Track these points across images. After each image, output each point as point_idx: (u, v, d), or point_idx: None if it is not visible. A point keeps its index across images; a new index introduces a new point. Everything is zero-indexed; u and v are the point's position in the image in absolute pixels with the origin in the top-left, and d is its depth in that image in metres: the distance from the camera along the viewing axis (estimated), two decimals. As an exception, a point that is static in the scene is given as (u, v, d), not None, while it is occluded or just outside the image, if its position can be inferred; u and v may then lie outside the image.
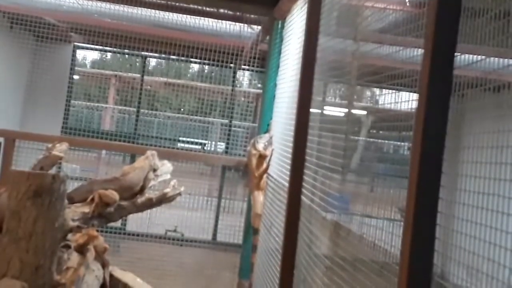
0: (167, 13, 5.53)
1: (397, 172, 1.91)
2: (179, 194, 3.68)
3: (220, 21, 5.54)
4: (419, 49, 1.66)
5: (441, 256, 1.56)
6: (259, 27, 5.41)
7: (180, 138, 8.97)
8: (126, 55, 9.31)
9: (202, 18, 5.51)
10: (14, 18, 6.30)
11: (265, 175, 4.27)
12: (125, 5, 5.44)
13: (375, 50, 2.18)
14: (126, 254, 5.02)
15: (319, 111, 3.10)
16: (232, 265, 4.97)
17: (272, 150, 4.23)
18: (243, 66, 6.65)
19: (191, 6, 5.23)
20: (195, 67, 9.95)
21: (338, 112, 2.91)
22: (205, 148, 8.91)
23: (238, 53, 5.95)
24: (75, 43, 8.14)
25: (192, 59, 7.39)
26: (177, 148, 7.68)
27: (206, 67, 8.71)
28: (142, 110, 8.53)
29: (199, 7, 5.24)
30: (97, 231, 3.04)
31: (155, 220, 5.76)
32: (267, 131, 4.63)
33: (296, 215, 3.16)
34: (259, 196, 4.29)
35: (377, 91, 2.28)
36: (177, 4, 5.22)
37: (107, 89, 9.61)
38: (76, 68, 8.61)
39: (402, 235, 1.63)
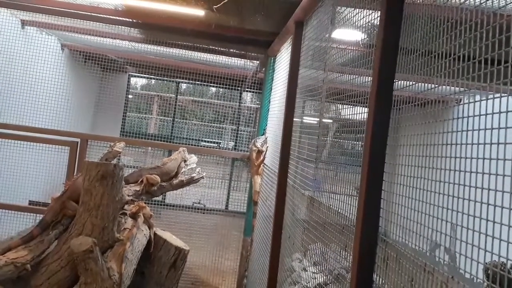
0: (193, 51, 5.54)
1: (353, 162, 1.91)
2: (202, 177, 3.69)
3: (230, 57, 5.54)
4: (369, 77, 1.66)
5: (384, 220, 1.57)
6: (258, 62, 5.41)
7: (203, 139, 8.97)
8: (165, 81, 9.31)
9: (218, 55, 5.52)
10: (87, 55, 6.30)
11: (262, 165, 4.27)
12: (164, 46, 5.45)
13: (338, 78, 2.18)
14: (165, 219, 5.02)
15: (299, 120, 3.10)
16: (239, 227, 4.97)
17: (267, 147, 4.24)
18: (246, 89, 6.65)
19: (210, 47, 5.23)
20: (213, 89, 9.93)
21: (313, 120, 2.91)
22: (220, 145, 8.89)
23: (243, 80, 5.95)
24: (130, 73, 8.14)
25: (210, 84, 7.40)
26: (201, 146, 7.67)
27: (220, 89, 8.68)
28: (176, 119, 8.54)
29: (216, 48, 5.24)
30: (145, 203, 3.05)
31: (185, 195, 5.75)
32: (263, 133, 4.63)
33: (283, 192, 3.16)
34: (258, 179, 4.30)
35: (339, 106, 2.27)
36: (200, 45, 5.22)
37: (151, 104, 9.61)
38: (130, 90, 8.61)
39: (357, 206, 1.64)
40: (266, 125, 4.67)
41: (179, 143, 7.07)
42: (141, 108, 9.58)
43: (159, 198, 4.84)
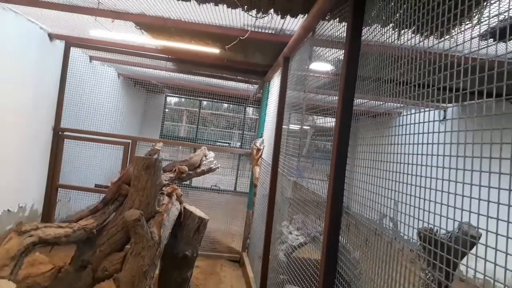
0: (211, 78, 5.53)
1: (325, 157, 1.91)
2: (218, 167, 3.68)
3: (237, 82, 5.54)
4: (336, 96, 1.66)
5: (347, 198, 1.57)
6: (257, 85, 5.41)
7: (218, 140, 8.95)
8: (191, 99, 9.30)
9: (229, 81, 5.51)
10: (136, 81, 6.30)
11: (260, 158, 4.27)
12: (190, 74, 5.45)
13: (314, 97, 2.18)
14: (192, 197, 5.01)
15: (287, 127, 3.10)
16: (244, 203, 4.96)
17: (263, 146, 4.23)
18: (249, 105, 6.64)
19: (223, 75, 5.23)
20: (225, 105, 9.92)
21: (296, 127, 2.91)
22: (230, 145, 8.87)
23: (246, 98, 5.95)
24: (166, 94, 8.13)
25: (223, 101, 7.40)
26: (217, 145, 7.66)
27: (231, 105, 8.66)
28: (199, 126, 8.51)
29: (227, 75, 5.24)
30: (177, 186, 3.04)
31: (206, 180, 5.74)
32: (261, 136, 4.63)
33: (275, 178, 3.16)
34: (257, 169, 4.29)
35: (315, 117, 2.27)
36: (215, 74, 5.22)
37: (182, 116, 9.59)
38: (166, 105, 8.59)
39: (328, 188, 1.63)
40: (263, 130, 4.67)
41: (201, 143, 7.06)
42: (174, 119, 9.56)
43: (187, 182, 4.84)
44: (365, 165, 1.43)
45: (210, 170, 3.56)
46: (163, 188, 2.86)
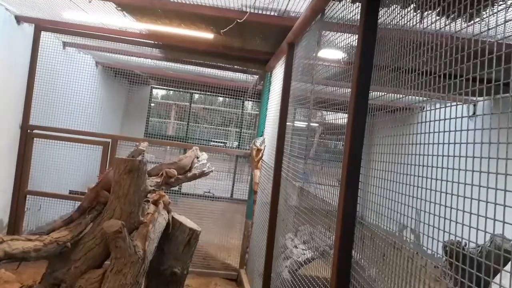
0: (204, 67, 5.53)
1: (336, 159, 1.91)
2: (211, 171, 3.68)
3: (234, 72, 5.54)
4: (348, 89, 1.66)
5: (361, 206, 1.57)
6: (257, 76, 5.41)
7: (212, 139, 8.96)
8: (181, 92, 9.31)
9: (224, 70, 5.51)
10: (117, 71, 6.30)
11: (260, 160, 4.27)
12: (180, 63, 5.45)
13: (323, 89, 2.18)
14: (181, 206, 5.02)
15: (291, 124, 3.10)
16: (242, 212, 4.97)
17: (264, 146, 4.23)
18: (248, 98, 6.65)
19: (218, 64, 5.23)
20: (220, 98, 9.93)
21: (302, 124, 2.91)
22: (226, 145, 8.88)
23: (245, 91, 5.95)
24: (152, 85, 8.13)
25: (218, 94, 7.40)
26: (210, 145, 7.66)
27: (226, 99, 8.67)
28: (190, 123, 8.52)
29: (222, 64, 5.24)
30: (165, 192, 3.04)
31: (197, 186, 5.74)
32: (261, 135, 4.63)
33: (278, 183, 3.16)
34: (257, 172, 4.29)
35: (324, 112, 2.27)
36: (209, 62, 5.22)
37: (170, 111, 9.61)
38: (152, 99, 8.60)
39: (339, 194, 1.63)
40: (264, 128, 4.67)
41: (192, 143, 7.07)
42: (161, 114, 9.57)
43: (176, 188, 4.84)
44: (382, 168, 1.42)
45: (202, 174, 3.56)
46: (148, 195, 2.85)
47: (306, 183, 2.40)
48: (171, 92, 10.51)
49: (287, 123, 3.17)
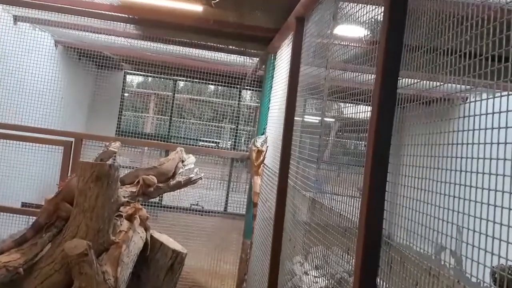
0: (191, 48, 5.53)
1: (356, 162, 1.91)
2: (200, 178, 3.69)
3: (229, 54, 5.54)
4: (372, 75, 1.66)
5: (388, 222, 1.56)
6: (257, 59, 5.41)
7: (201, 138, 8.97)
8: (162, 79, 9.32)
9: (216, 52, 5.51)
10: (81, 52, 6.31)
11: (262, 165, 4.27)
12: (161, 43, 5.45)
13: (340, 75, 2.18)
14: (162, 221, 5.02)
15: (300, 119, 3.10)
16: (238, 229, 4.97)
17: (267, 147, 4.24)
18: (246, 87, 6.65)
19: (208, 43, 5.23)
20: (211, 87, 9.94)
21: (314, 119, 2.91)
22: (219, 145, 8.89)
23: (242, 78, 5.95)
24: (125, 70, 8.14)
25: (209, 82, 7.42)
26: (199, 145, 7.67)
27: (219, 87, 8.69)
28: (173, 118, 8.53)
29: (214, 44, 5.24)
30: (141, 204, 3.04)
31: (183, 196, 5.75)
32: (263, 133, 4.63)
33: (284, 193, 3.16)
34: (258, 180, 4.29)
35: (342, 104, 2.27)
36: (198, 42, 5.22)
37: (148, 103, 9.62)
38: (126, 88, 8.61)
39: (360, 208, 1.63)
40: (266, 124, 4.67)
41: (177, 143, 7.07)
42: (137, 107, 9.57)
43: (156, 199, 4.84)
44: (415, 175, 1.42)
45: (189, 182, 3.56)
46: (121, 208, 2.85)
47: (318, 193, 2.40)
48: (150, 79, 10.51)
49: (295, 118, 3.17)
